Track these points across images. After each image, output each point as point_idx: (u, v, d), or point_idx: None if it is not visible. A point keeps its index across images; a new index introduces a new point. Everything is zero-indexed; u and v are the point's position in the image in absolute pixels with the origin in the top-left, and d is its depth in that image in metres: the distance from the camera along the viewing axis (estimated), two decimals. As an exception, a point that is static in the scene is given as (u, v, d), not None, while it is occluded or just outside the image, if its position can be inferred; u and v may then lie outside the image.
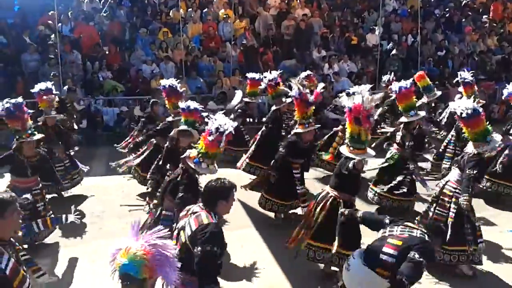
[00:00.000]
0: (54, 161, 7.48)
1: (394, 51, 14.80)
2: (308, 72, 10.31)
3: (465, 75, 9.01)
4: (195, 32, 14.50)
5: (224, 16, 14.78)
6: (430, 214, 5.91)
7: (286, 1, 16.06)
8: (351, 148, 5.30)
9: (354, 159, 5.22)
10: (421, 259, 3.85)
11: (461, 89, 9.20)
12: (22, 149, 6.44)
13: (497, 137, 5.71)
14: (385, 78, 10.12)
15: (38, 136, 6.55)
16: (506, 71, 15.17)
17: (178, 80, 8.02)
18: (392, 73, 10.71)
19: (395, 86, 7.54)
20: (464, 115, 5.53)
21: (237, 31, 14.66)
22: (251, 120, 10.76)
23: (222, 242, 3.48)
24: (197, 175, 5.07)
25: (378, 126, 9.92)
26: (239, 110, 9.59)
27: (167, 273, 2.55)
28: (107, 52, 13.44)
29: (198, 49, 14.07)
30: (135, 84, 12.73)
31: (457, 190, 5.64)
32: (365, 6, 16.88)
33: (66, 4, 14.26)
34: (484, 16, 17.71)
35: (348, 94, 6.63)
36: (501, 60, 15.73)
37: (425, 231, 4.21)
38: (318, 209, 5.48)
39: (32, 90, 8.29)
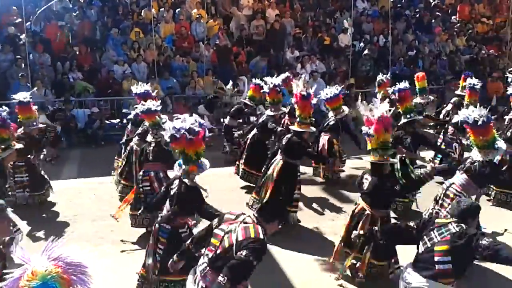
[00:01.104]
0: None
1: (366, 51, 14.98)
2: (288, 74, 10.31)
3: (472, 81, 8.97)
4: (167, 32, 14.38)
5: (197, 16, 14.70)
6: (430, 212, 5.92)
7: (259, 1, 16.06)
8: (384, 157, 5.34)
9: (385, 169, 5.34)
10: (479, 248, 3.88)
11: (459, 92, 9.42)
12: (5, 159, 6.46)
13: (502, 143, 5.79)
14: (379, 78, 10.22)
15: (18, 146, 6.69)
16: (474, 70, 15.52)
17: (149, 82, 8.02)
18: (389, 73, 11.08)
19: (395, 88, 7.74)
20: (479, 123, 5.53)
21: (210, 31, 14.61)
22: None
23: (261, 258, 3.66)
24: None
25: None
26: (232, 110, 9.67)
27: (84, 281, 2.46)
28: (77, 53, 13.21)
29: (171, 49, 13.96)
30: (107, 85, 12.54)
31: (460, 194, 5.67)
32: (337, 6, 17.02)
33: (35, 3, 13.95)
34: (453, 17, 18.13)
35: None
36: (469, 60, 16.11)
37: (457, 219, 4.17)
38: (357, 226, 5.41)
39: (14, 99, 7.83)
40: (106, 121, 11.89)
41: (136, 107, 7.51)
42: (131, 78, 12.65)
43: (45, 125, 9.41)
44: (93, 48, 13.57)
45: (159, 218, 4.96)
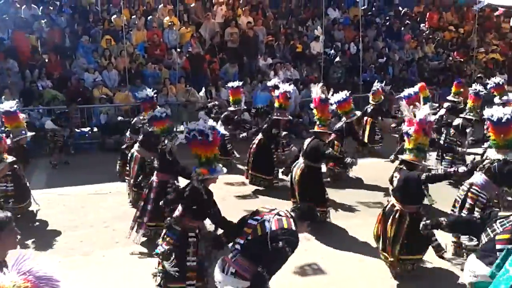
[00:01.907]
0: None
1: (337, 59, 15.16)
2: (275, 81, 10.48)
3: (477, 87, 9.13)
4: (139, 39, 14.28)
5: (169, 23, 14.64)
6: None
7: (231, 9, 16.11)
8: (419, 158, 5.60)
9: (420, 170, 5.55)
10: None
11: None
12: None
13: None
14: (376, 85, 10.68)
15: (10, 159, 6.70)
16: (442, 76, 15.87)
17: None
18: (384, 81, 11.51)
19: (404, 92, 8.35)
20: (504, 120, 5.64)
21: (183, 39, 14.56)
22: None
23: (295, 250, 3.93)
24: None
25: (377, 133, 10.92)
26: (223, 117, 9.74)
27: None
28: (46, 60, 13.00)
29: (143, 57, 13.86)
30: (77, 93, 12.34)
31: (481, 195, 5.79)
32: (309, 14, 17.20)
33: (2, 10, 13.67)
34: (421, 25, 18.52)
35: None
36: (437, 66, 16.47)
37: None
38: (388, 224, 5.59)
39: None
40: (76, 130, 11.67)
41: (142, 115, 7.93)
42: (101, 86, 12.52)
43: (51, 131, 10.12)
44: (63, 55, 13.35)
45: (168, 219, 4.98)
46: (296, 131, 10.67)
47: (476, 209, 5.76)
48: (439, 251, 5.55)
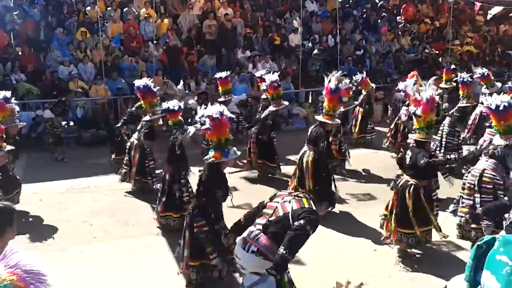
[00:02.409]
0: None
1: (315, 51, 15.20)
2: (262, 72, 10.58)
3: (463, 75, 9.57)
4: (115, 31, 14.07)
5: (146, 15, 14.46)
6: (477, 202, 6.02)
7: (209, 1, 15.98)
8: (427, 135, 5.93)
9: (425, 150, 5.86)
10: None
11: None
12: None
13: None
14: (357, 77, 11.02)
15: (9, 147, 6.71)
16: (418, 68, 16.04)
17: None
18: (364, 72, 11.75)
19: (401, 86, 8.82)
20: (501, 108, 5.89)
21: (159, 31, 14.41)
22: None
23: (316, 229, 3.97)
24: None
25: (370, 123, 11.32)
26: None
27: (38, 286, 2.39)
28: (20, 53, 12.71)
29: (119, 49, 13.67)
30: (52, 86, 12.12)
31: (496, 177, 5.95)
32: (286, 7, 17.18)
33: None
34: (398, 17, 18.68)
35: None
36: (414, 59, 16.65)
37: None
38: (404, 198, 5.86)
39: None
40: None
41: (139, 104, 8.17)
42: (77, 79, 12.31)
43: (50, 121, 10.26)
44: (37, 48, 13.08)
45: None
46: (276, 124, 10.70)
47: (498, 192, 5.94)
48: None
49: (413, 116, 6.12)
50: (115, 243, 6.49)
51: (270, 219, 4.12)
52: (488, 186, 6.02)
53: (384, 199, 6.80)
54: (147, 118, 7.93)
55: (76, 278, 5.58)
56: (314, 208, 4.08)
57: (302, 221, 3.86)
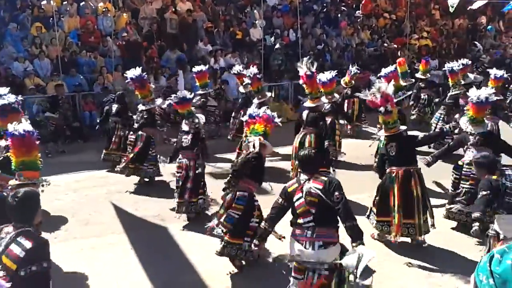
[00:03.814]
0: None
1: (277, 45, 15.23)
2: (239, 68, 10.89)
3: (453, 65, 10.11)
4: (72, 26, 13.68)
5: (104, 9, 14.12)
6: None
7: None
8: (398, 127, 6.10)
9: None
10: None
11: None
12: None
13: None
14: (352, 69, 11.47)
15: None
16: (378, 62, 16.32)
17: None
18: (356, 64, 12.24)
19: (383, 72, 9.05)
20: (482, 101, 6.27)
21: (118, 25, 14.10)
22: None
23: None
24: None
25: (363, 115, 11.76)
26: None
27: None
28: (-29, 49, 12.21)
29: (76, 44, 13.31)
30: (6, 83, 11.63)
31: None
32: (247, 1, 17.12)
33: None
34: (357, 12, 18.92)
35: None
36: (374, 53, 16.93)
37: None
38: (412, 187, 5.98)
39: None
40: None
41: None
42: (33, 76, 11.92)
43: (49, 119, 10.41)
44: (-11, 44, 12.59)
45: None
46: None
47: None
48: None
49: (383, 115, 6.04)
50: (77, 242, 6.34)
51: (314, 212, 4.20)
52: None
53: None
54: (142, 107, 8.28)
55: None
56: (327, 178, 4.28)
57: (336, 193, 4.12)
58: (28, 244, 3.14)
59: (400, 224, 5.93)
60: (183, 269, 5.75)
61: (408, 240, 6.17)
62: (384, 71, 9.49)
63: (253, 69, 9.30)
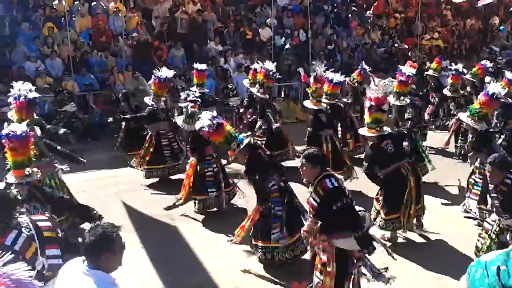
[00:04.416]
0: None
1: (287, 46, 15.21)
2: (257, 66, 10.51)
3: (458, 67, 10.32)
4: (83, 26, 13.78)
5: (115, 9, 14.20)
6: None
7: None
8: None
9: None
10: None
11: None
12: None
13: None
14: (365, 67, 11.16)
15: None
16: (389, 63, 16.27)
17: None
18: (364, 63, 11.71)
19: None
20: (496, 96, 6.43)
21: (129, 25, 14.18)
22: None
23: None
24: None
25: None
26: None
27: None
28: (-16, 49, 12.35)
29: (88, 44, 13.40)
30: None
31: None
32: (257, 1, 17.13)
33: None
34: (368, 12, 18.85)
35: None
36: (384, 53, 16.86)
37: None
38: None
39: None
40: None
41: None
42: (45, 75, 12.03)
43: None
44: (2, 44, 12.70)
45: None
46: None
47: None
48: None
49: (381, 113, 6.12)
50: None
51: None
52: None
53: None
54: (151, 102, 8.45)
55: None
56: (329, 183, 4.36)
57: (338, 203, 4.26)
58: None
59: (414, 216, 6.16)
60: (192, 268, 5.78)
61: (416, 239, 6.27)
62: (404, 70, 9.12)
63: (270, 65, 9.41)
